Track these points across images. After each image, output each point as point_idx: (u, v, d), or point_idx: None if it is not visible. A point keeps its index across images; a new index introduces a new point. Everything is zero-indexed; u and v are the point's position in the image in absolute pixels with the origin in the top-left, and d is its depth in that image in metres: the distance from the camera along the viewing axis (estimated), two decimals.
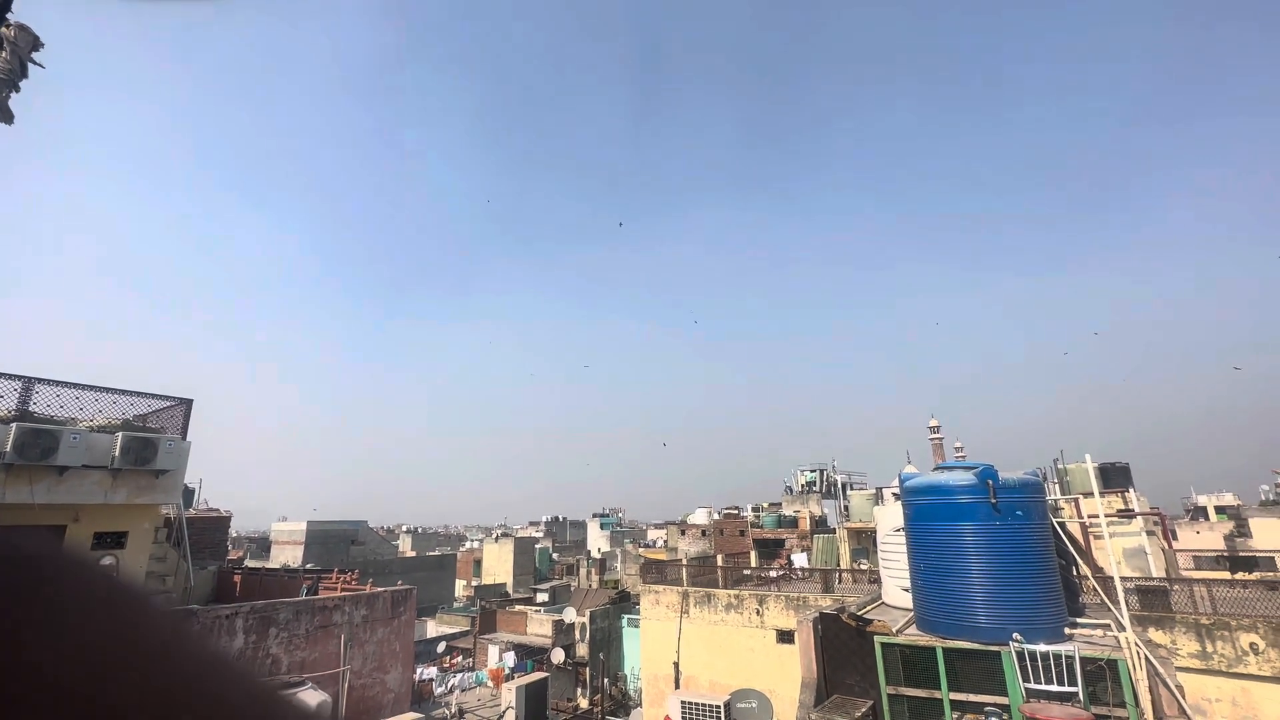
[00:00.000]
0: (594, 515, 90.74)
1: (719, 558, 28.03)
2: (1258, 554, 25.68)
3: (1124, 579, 13.24)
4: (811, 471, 43.10)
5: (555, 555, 69.09)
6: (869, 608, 9.67)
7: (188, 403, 12.48)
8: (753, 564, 29.05)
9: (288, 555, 42.42)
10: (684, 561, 24.51)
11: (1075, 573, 8.94)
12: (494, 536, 67.25)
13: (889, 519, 10.35)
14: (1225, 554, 26.47)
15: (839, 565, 25.81)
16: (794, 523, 36.17)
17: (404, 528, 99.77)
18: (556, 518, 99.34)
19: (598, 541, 79.27)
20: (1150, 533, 19.34)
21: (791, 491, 43.01)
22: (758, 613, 16.89)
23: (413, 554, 64.82)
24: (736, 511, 44.31)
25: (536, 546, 64.57)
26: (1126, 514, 19.79)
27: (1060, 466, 22.36)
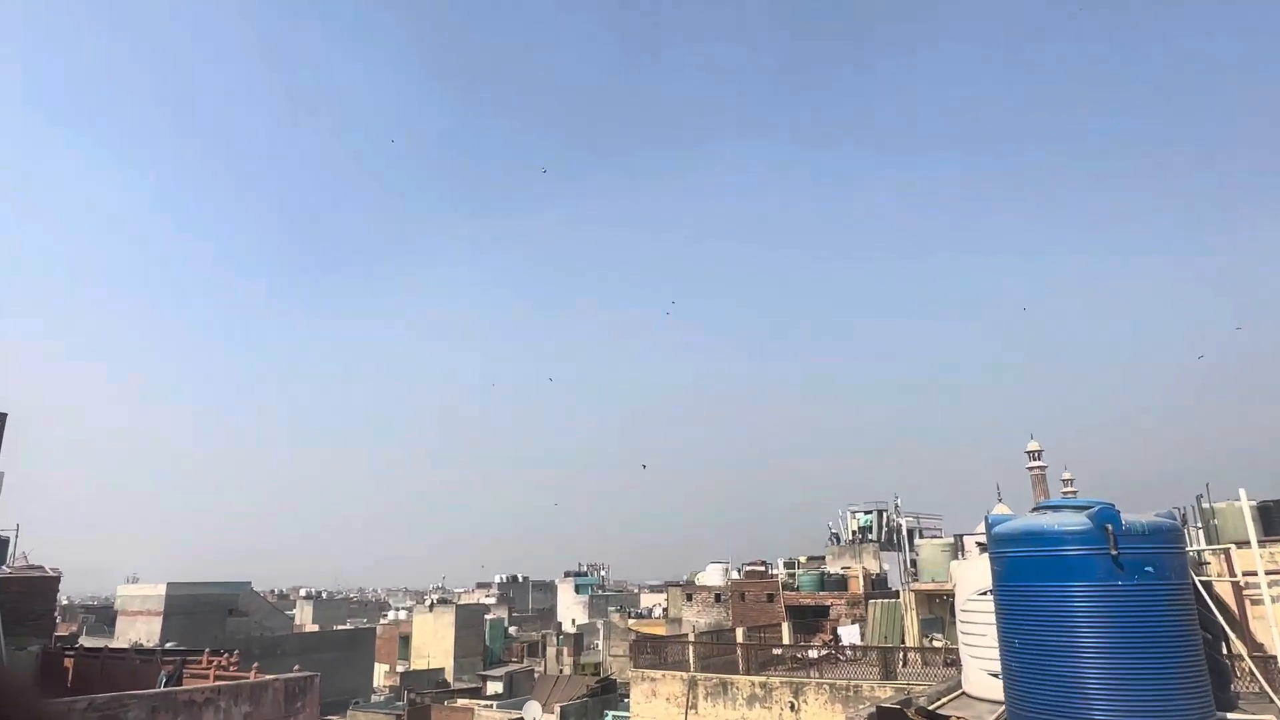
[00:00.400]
0: (566, 574, 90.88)
1: (739, 632, 28.11)
2: None
3: None
4: (866, 514, 43.33)
5: (513, 629, 69.12)
6: (945, 700, 9.73)
7: (0, 417, 12.39)
8: (785, 640, 29.15)
9: (140, 630, 42.14)
10: (691, 637, 24.61)
11: (1225, 651, 9.03)
12: (428, 604, 67.19)
13: (972, 578, 10.40)
14: None
15: (904, 642, 25.94)
16: (842, 583, 36.35)
17: (303, 592, 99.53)
18: (515, 577, 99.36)
19: (572, 610, 79.34)
20: None
21: (839, 541, 43.22)
22: (792, 707, 16.97)
23: (315, 628, 64.62)
24: (763, 568, 44.52)
25: (487, 618, 64.57)
26: None
27: (1205, 506, 22.57)
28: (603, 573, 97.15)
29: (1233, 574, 17.27)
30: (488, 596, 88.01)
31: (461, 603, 72.26)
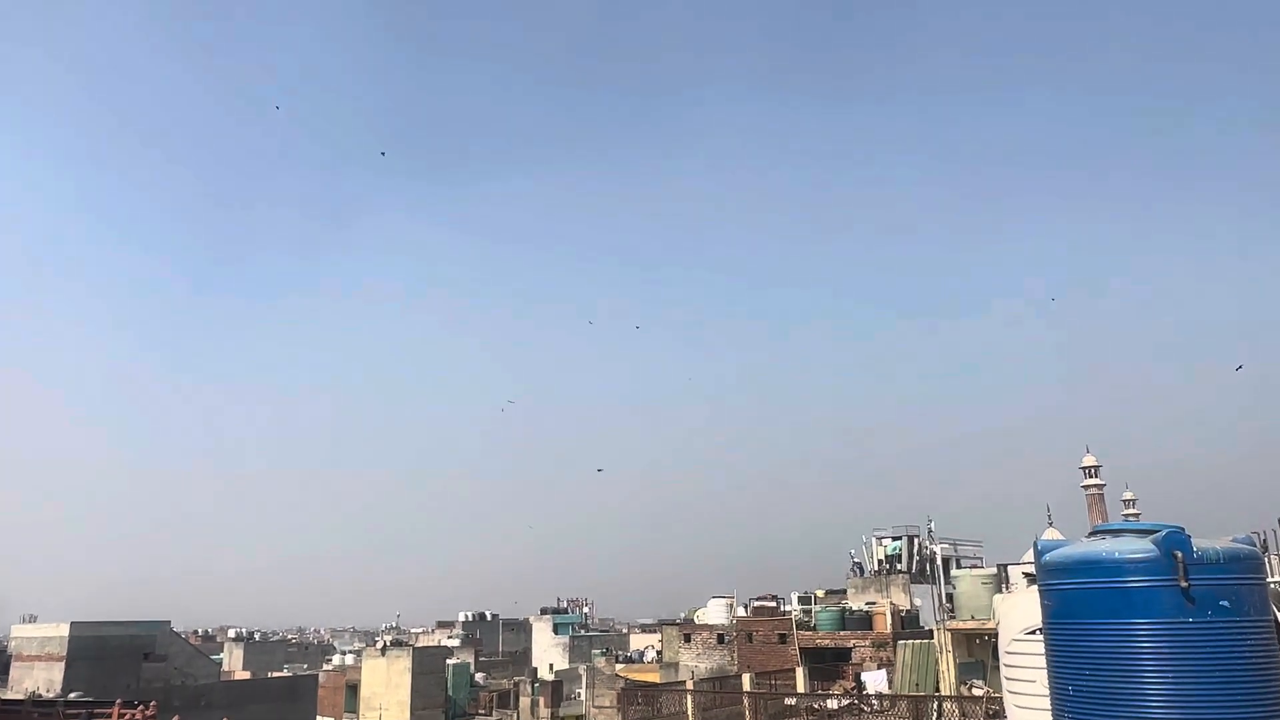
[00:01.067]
0: (543, 611, 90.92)
1: (745, 678, 28.17)
2: None
3: None
4: (894, 540, 43.54)
5: (480, 675, 69.12)
6: None
7: None
8: (800, 687, 29.23)
9: (39, 678, 41.92)
10: (690, 685, 24.62)
11: None
12: (379, 646, 67.02)
13: (1018, 615, 10.44)
14: None
15: (938, 689, 26.04)
16: (866, 621, 36.44)
17: (231, 633, 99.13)
18: (482, 615, 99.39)
19: (549, 653, 79.46)
20: None
21: (863, 572, 43.42)
22: None
23: (246, 675, 64.41)
24: (774, 604, 44.57)
25: (450, 662, 64.53)
26: None
27: None
28: (586, 610, 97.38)
29: None
30: (450, 638, 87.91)
31: (420, 645, 72.16)
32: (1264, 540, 23.16)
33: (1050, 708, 8.51)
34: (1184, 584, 7.44)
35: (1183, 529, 7.85)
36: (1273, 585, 11.41)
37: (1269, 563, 20.56)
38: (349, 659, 69.94)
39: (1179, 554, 7.57)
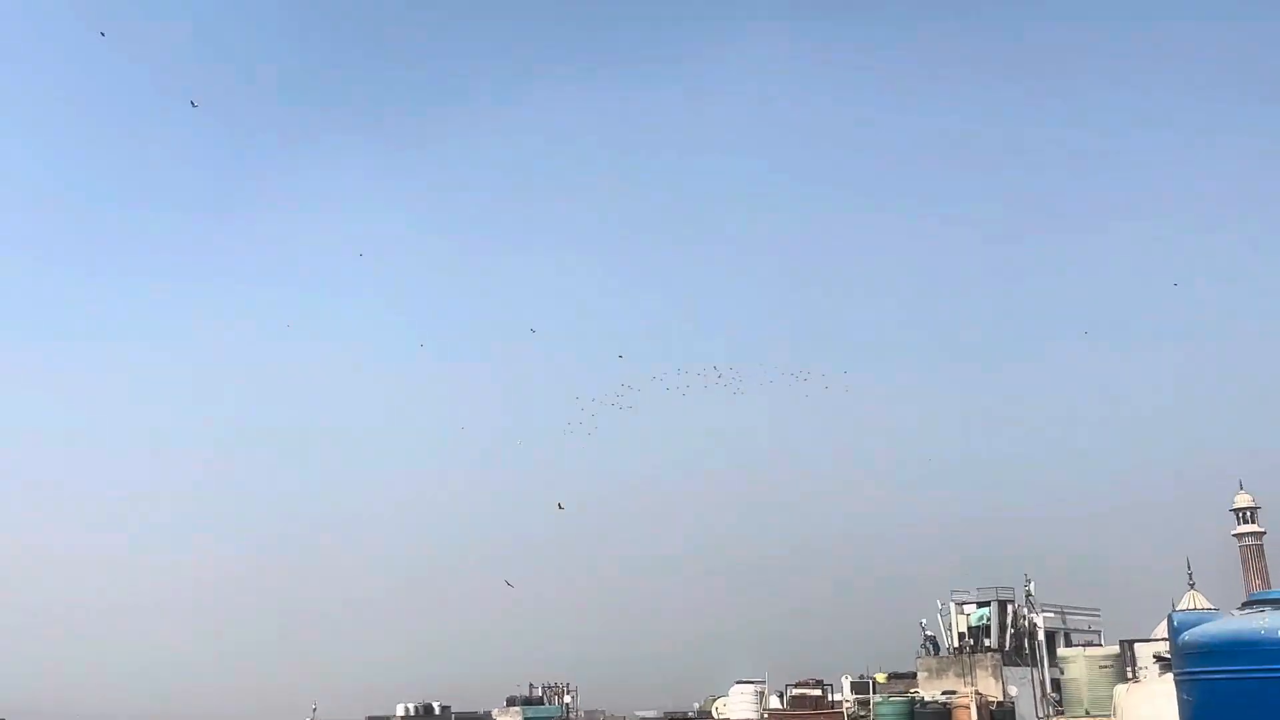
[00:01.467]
0: (510, 702, 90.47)
1: None
2: None
3: None
4: (982, 606, 43.28)
5: None
6: None
7: None
8: None
9: None
10: None
11: None
12: None
13: (1149, 709, 10.32)
14: None
15: None
16: (945, 715, 36.30)
17: None
18: (429, 708, 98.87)
19: None
20: None
21: (938, 650, 43.21)
22: None
23: None
24: (819, 692, 44.40)
25: None
26: None
27: None
28: (568, 699, 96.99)
29: None
30: None
31: None
32: None
33: None
34: None
35: None
36: None
37: None
38: None
39: None
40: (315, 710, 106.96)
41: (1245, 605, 8.71)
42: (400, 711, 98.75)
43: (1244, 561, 35.31)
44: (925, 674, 41.38)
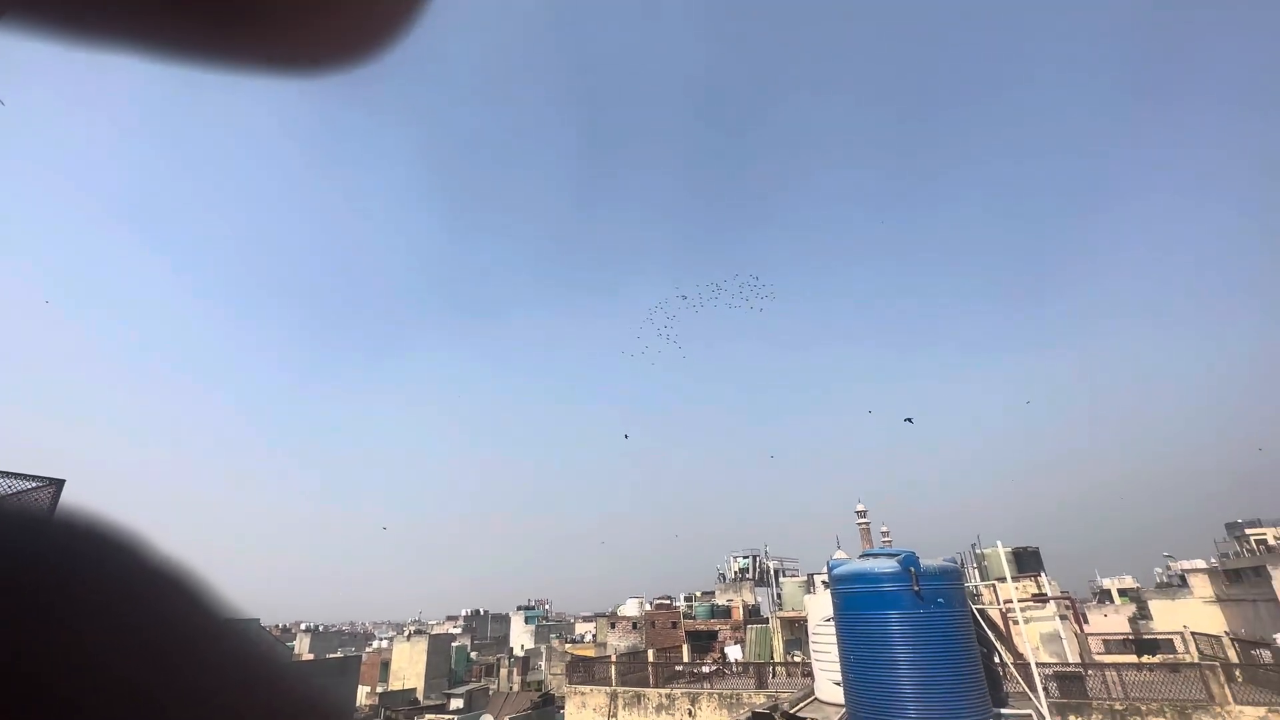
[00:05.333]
0: (518, 608, 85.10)
1: (650, 653, 26.67)
2: (1158, 636, 27.11)
3: (1041, 665, 13.58)
4: (744, 558, 42.64)
5: (474, 654, 63.76)
6: (802, 704, 9.41)
7: (58, 484, 11.00)
8: (685, 658, 27.79)
9: None
10: (613, 658, 23.16)
11: (997, 660, 9.11)
12: (406, 634, 61.49)
13: (820, 608, 10.32)
14: (1130, 637, 27.76)
15: (773, 658, 25.12)
16: (727, 612, 35.28)
17: (303, 626, 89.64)
18: (477, 611, 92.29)
19: (521, 637, 73.93)
20: (1063, 617, 20.12)
21: (725, 579, 42.22)
22: (690, 714, 16.01)
23: (310, 657, 57.99)
24: (669, 601, 42.86)
25: (453, 645, 59.52)
26: (1040, 599, 20.59)
27: (978, 551, 23.23)
28: (547, 607, 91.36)
29: (998, 602, 17.64)
30: (455, 627, 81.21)
31: (434, 633, 66.40)
32: (963, 558, 23.56)
33: (840, 670, 8.32)
34: (917, 589, 7.51)
35: (915, 553, 7.98)
36: (969, 587, 11.55)
37: (967, 573, 20.85)
38: (384, 643, 63.67)
39: (913, 569, 7.67)
40: (421, 614, 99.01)
41: (861, 556, 8.89)
42: (463, 613, 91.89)
43: (860, 536, 35.40)
44: (719, 590, 40.32)
